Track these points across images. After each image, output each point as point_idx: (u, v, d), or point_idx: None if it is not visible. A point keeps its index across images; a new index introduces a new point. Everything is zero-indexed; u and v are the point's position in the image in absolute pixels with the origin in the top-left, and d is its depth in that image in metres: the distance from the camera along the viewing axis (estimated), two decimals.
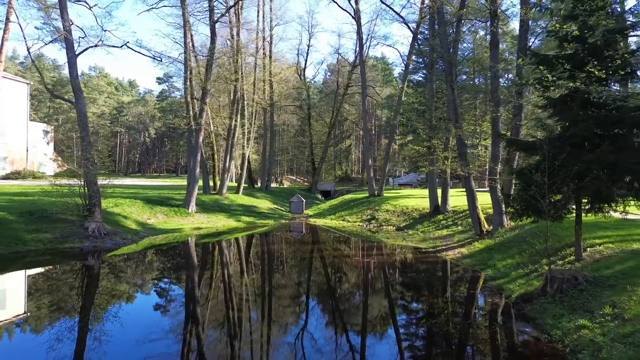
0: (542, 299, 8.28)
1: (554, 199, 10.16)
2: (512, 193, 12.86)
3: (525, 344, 7.21)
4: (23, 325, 8.10)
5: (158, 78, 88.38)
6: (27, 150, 51.94)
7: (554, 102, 9.88)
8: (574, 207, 10.24)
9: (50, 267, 13.47)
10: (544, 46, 13.38)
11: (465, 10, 16.34)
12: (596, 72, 7.67)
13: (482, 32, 29.59)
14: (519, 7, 15.99)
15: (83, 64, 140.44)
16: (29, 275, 12.38)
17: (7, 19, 26.85)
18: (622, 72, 8.06)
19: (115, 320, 8.39)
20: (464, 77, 32.20)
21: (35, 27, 27.48)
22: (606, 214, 10.22)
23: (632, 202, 9.61)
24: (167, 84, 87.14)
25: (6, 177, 44.81)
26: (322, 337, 7.76)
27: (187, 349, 6.86)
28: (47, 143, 58.46)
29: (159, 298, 10.67)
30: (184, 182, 51.14)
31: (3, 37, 28.29)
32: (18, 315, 8.80)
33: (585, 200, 9.94)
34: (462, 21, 19.35)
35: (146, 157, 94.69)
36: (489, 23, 19.12)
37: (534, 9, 12.53)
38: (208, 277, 12.65)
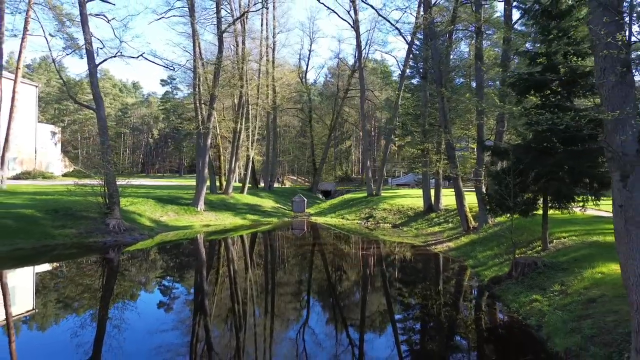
0: (508, 281, 9.86)
1: (526, 197, 11.77)
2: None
3: (490, 314, 8.84)
4: (57, 308, 9.65)
5: (162, 80, 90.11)
6: (35, 151, 53.28)
7: (525, 113, 11.47)
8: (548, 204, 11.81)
9: (79, 259, 15.05)
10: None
11: (453, 26, 17.92)
12: (534, 99, 9.24)
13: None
14: (504, 20, 17.56)
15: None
16: (62, 266, 13.99)
17: (25, 28, 28.57)
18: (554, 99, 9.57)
19: (140, 304, 9.94)
20: (461, 80, 33.65)
21: (50, 35, 29.00)
22: (570, 211, 11.85)
23: (590, 201, 11.21)
24: (170, 85, 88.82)
25: (17, 177, 46.17)
26: (323, 315, 9.36)
27: (196, 338, 7.59)
28: (55, 144, 59.98)
29: (176, 288, 12.24)
30: (188, 182, 52.82)
31: (21, 45, 30.05)
32: (55, 299, 10.40)
33: (550, 199, 11.53)
34: (453, 34, 20.97)
35: (149, 158, 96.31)
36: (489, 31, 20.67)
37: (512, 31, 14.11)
38: (219, 270, 14.26)
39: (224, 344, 7.55)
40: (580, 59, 8.11)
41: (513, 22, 16.72)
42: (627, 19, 5.42)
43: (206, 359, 6.68)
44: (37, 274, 12.97)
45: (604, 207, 19.81)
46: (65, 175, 58.01)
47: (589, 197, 11.14)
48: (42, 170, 51.62)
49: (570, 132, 8.79)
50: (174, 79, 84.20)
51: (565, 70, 8.43)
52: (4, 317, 8.62)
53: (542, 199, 11.63)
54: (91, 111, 71.51)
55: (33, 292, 10.91)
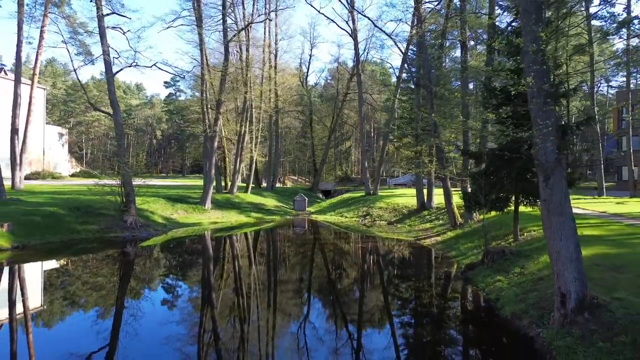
0: (480, 267, 11.55)
1: (500, 195, 13.45)
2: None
3: (462, 292, 10.54)
4: (88, 293, 11.39)
5: (165, 82, 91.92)
6: (43, 152, 54.78)
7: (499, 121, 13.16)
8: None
9: (103, 251, 16.74)
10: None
11: (442, 40, 19.62)
12: (491, 116, 10.93)
13: (472, 42, 32.75)
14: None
15: (95, 71, 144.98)
16: (89, 258, 15.69)
17: (41, 37, 30.29)
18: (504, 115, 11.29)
19: (158, 292, 11.65)
20: (457, 83, 35.24)
21: (62, 41, 30.56)
22: (540, 207, 13.52)
23: None
24: (173, 87, 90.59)
25: (27, 178, 47.50)
26: (323, 297, 11.08)
27: (204, 328, 8.23)
28: (62, 145, 61.62)
29: (189, 280, 13.95)
30: (192, 182, 54.54)
31: (37, 52, 31.76)
32: (86, 286, 12.12)
33: (522, 197, 13.20)
34: (445, 42, 22.61)
35: (152, 158, 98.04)
36: (484, 36, 22.25)
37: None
38: (229, 262, 15.97)
39: (231, 326, 8.68)
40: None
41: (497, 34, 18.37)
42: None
43: (213, 346, 7.58)
44: (69, 264, 14.65)
45: (583, 205, 21.55)
46: (73, 175, 59.65)
47: None
48: (50, 170, 53.11)
49: (527, 142, 10.44)
50: (177, 81, 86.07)
51: (515, 92, 10.04)
52: (46, 299, 10.35)
53: (514, 197, 13.29)
54: (97, 113, 72.76)
55: (68, 279, 12.60)
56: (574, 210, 18.36)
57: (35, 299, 10.34)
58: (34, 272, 13.31)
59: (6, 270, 12.88)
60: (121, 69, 22.54)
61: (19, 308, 9.46)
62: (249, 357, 6.99)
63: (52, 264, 14.57)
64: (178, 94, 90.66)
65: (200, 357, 6.85)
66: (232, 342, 7.75)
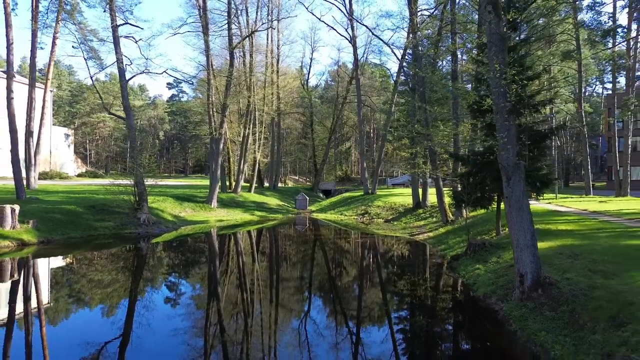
0: (463, 258, 12.97)
1: (485, 195, 14.85)
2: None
3: (446, 279, 11.98)
4: (99, 285, 12.82)
5: (168, 83, 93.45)
6: (50, 153, 56.06)
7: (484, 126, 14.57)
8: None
9: (120, 246, 18.14)
10: None
11: (436, 48, 21.04)
12: (468, 125, 12.35)
13: (469, 45, 34.20)
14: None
15: (100, 74, 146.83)
16: (109, 252, 17.13)
17: (54, 43, 31.67)
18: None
19: (174, 280, 13.09)
20: (451, 88, 36.68)
21: (73, 47, 32.03)
22: None
23: (533, 197, 14.28)
24: (176, 89, 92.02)
25: None
26: (324, 283, 12.51)
27: (209, 320, 8.89)
28: (69, 146, 63.02)
29: (201, 271, 15.39)
30: (195, 182, 56.00)
31: (50, 58, 33.16)
32: (110, 276, 13.55)
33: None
34: (440, 44, 24.00)
35: (156, 159, 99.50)
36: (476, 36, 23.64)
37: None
38: (238, 256, 17.39)
39: (237, 318, 9.91)
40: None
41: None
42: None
43: (218, 337, 8.98)
44: (92, 257, 16.06)
45: (568, 203, 22.95)
46: (79, 175, 61.08)
47: (533, 194, 14.23)
48: (57, 170, 54.43)
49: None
50: (180, 83, 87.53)
51: (488, 106, 11.45)
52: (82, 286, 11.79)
53: (496, 195, 14.69)
54: (102, 115, 73.95)
55: (94, 271, 14.04)
56: (558, 209, 19.88)
57: (64, 287, 11.76)
58: (62, 264, 14.73)
59: (38, 261, 14.34)
60: (134, 76, 23.98)
61: (52, 295, 10.91)
62: (254, 340, 8.36)
63: (76, 257, 15.95)
64: (181, 95, 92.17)
65: (207, 340, 8.20)
66: (236, 335, 8.43)
